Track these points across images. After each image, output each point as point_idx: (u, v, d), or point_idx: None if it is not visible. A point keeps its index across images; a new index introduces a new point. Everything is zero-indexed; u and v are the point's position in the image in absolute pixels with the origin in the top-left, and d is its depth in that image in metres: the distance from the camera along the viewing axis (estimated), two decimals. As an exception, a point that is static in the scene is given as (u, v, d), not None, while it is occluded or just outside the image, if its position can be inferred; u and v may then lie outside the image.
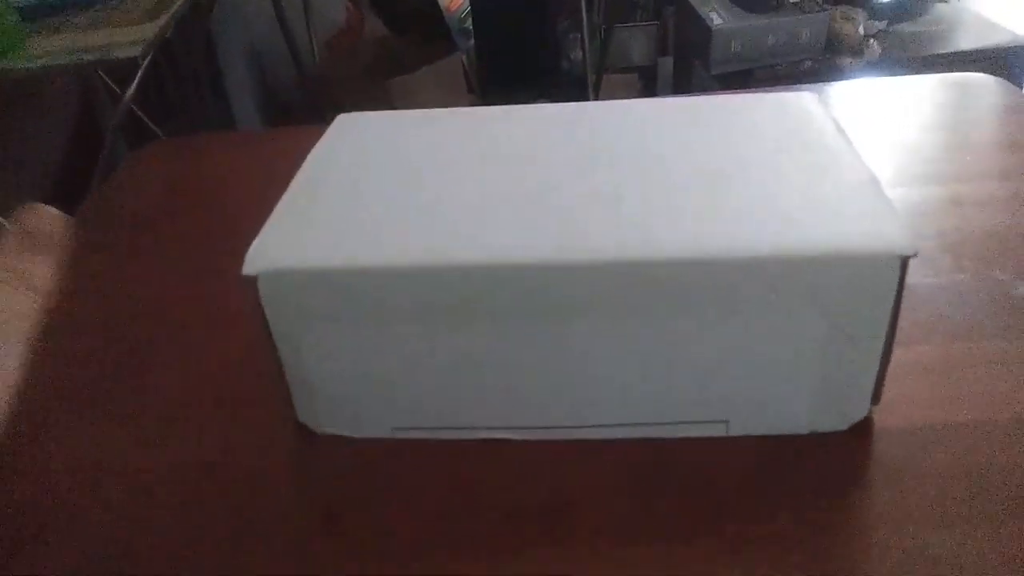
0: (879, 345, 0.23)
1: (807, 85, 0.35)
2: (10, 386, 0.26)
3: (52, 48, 1.13)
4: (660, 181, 0.26)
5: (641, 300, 0.23)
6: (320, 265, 0.24)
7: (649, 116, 0.30)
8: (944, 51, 1.38)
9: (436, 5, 1.70)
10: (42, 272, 0.29)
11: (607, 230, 0.23)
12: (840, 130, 0.28)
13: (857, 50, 1.36)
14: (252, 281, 0.24)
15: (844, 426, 0.25)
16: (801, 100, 0.30)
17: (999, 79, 0.50)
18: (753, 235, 0.23)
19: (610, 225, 0.24)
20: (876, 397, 0.25)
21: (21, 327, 0.26)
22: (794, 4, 1.39)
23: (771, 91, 0.33)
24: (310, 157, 0.29)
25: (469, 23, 1.77)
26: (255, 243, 0.24)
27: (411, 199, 0.26)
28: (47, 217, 0.30)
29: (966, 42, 1.41)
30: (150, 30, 1.15)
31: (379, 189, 0.27)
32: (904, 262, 0.22)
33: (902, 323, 0.23)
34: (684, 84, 1.58)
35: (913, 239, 0.22)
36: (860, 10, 1.41)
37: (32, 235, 0.30)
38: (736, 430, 0.25)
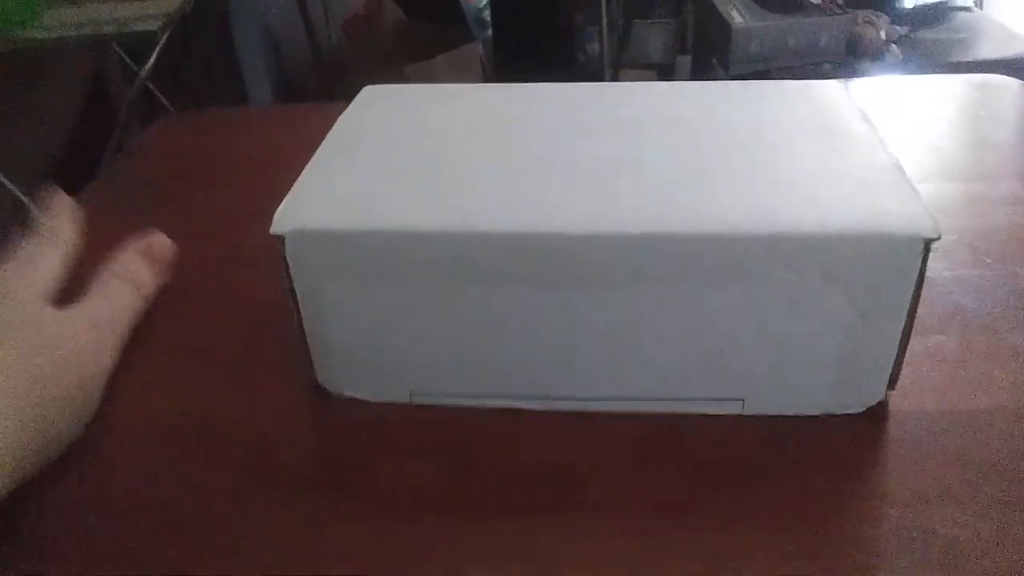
0: (898, 328, 0.24)
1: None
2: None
3: (68, 20, 1.13)
4: (684, 157, 0.26)
5: (663, 273, 0.23)
6: (347, 226, 0.24)
7: (676, 96, 0.30)
8: (965, 59, 1.37)
9: (455, -7, 1.70)
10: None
11: (631, 202, 0.24)
12: (866, 117, 0.28)
13: (878, 55, 1.35)
14: (279, 240, 0.24)
15: (859, 408, 0.25)
16: (828, 88, 0.30)
17: (1020, 81, 0.50)
18: (777, 212, 0.23)
19: (634, 198, 0.24)
20: (892, 382, 0.25)
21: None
22: (816, 6, 1.38)
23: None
24: (338, 124, 0.29)
25: (487, 13, 1.76)
26: (283, 203, 0.25)
27: (437, 166, 0.26)
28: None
29: (987, 51, 1.40)
30: (170, 5, 1.15)
31: (406, 155, 0.27)
32: (927, 245, 0.22)
33: (921, 313, 0.23)
34: (701, 83, 1.57)
35: (936, 223, 0.22)
36: (882, 15, 1.41)
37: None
38: (751, 409, 0.25)
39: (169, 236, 0.32)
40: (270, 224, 0.24)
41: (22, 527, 0.23)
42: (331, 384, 0.27)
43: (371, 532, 0.23)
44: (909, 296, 0.23)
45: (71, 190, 0.42)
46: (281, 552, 0.22)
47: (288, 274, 0.25)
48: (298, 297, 0.25)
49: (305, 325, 0.26)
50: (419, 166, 0.26)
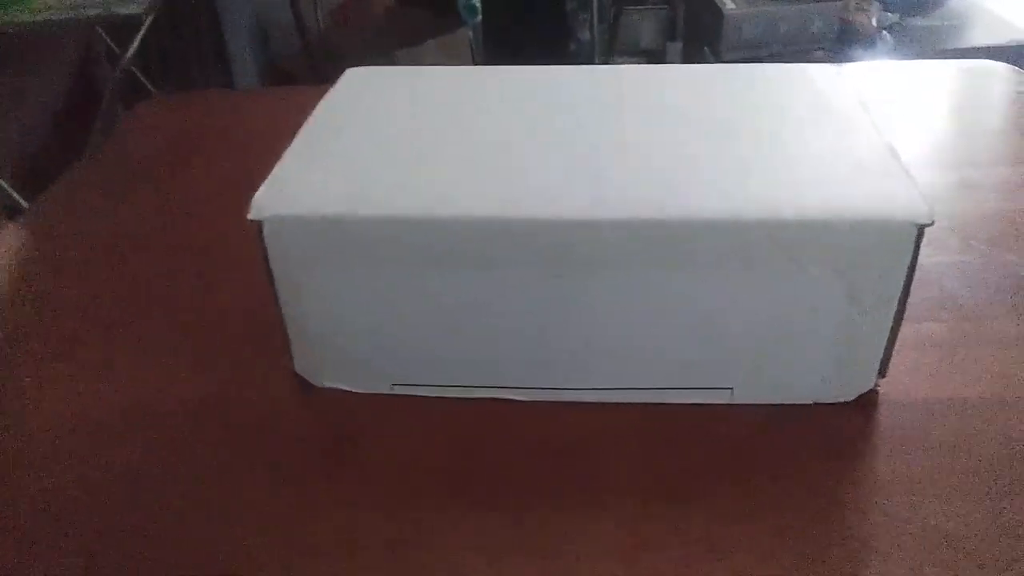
0: (890, 315, 0.23)
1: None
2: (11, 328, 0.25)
3: (54, 3, 1.11)
4: (676, 142, 0.25)
5: (653, 259, 0.23)
6: (327, 212, 0.23)
7: (668, 80, 0.30)
8: (956, 46, 1.37)
9: (444, -22, 1.68)
10: None
11: (621, 188, 0.23)
12: (860, 102, 0.27)
13: (869, 42, 1.35)
14: (257, 226, 0.23)
15: (850, 397, 0.25)
16: (823, 71, 0.30)
17: (1012, 67, 0.50)
18: (771, 197, 0.22)
19: (624, 183, 0.23)
20: (883, 370, 0.25)
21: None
22: (807, -8, 1.37)
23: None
24: (319, 107, 0.29)
25: (477, -1, 1.74)
26: (261, 188, 0.24)
27: (420, 150, 0.26)
28: None
29: (978, 38, 1.40)
30: (155, -12, 1.13)
31: (388, 139, 0.26)
32: (920, 230, 0.22)
33: (911, 300, 0.23)
34: (692, 70, 1.56)
35: (930, 208, 0.22)
36: (874, 1, 1.40)
37: None
38: (740, 397, 0.25)
39: (153, 216, 0.31)
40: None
41: (5, 521, 0.22)
42: (311, 374, 0.26)
43: (361, 522, 0.22)
44: (901, 282, 0.23)
45: (55, 172, 0.42)
46: (268, 540, 0.22)
47: (266, 261, 0.24)
48: (276, 285, 0.24)
49: (284, 313, 0.25)
50: (401, 150, 0.26)
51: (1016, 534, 0.21)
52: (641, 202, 0.22)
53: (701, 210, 0.22)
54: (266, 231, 0.23)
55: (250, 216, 0.23)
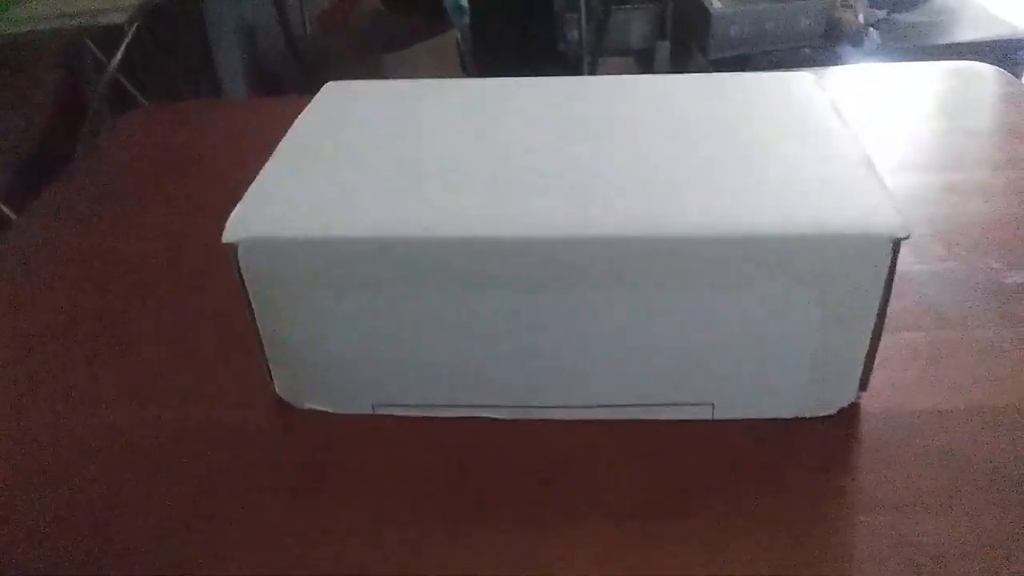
0: (868, 328, 0.23)
1: (805, 71, 0.35)
2: None
3: (39, 13, 1.11)
4: (653, 157, 0.25)
5: (631, 276, 0.22)
6: (302, 234, 0.23)
7: (646, 92, 0.30)
8: (944, 42, 1.37)
9: (432, -20, 1.67)
10: None
11: (598, 205, 0.23)
12: (836, 111, 0.27)
13: (856, 39, 1.35)
14: (232, 249, 0.23)
15: (831, 411, 0.25)
16: (799, 80, 0.30)
17: (997, 68, 0.50)
18: (746, 213, 0.22)
19: (602, 200, 0.23)
20: (864, 383, 0.25)
21: None
22: (794, -10, 1.37)
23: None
24: (295, 125, 0.28)
25: (465, 0, 1.74)
26: (236, 210, 0.24)
27: (398, 168, 0.25)
28: None
29: (966, 33, 1.40)
30: (138, -3, 1.13)
31: (365, 158, 0.26)
32: (896, 244, 0.22)
33: (892, 309, 0.23)
34: (681, 69, 1.57)
35: (905, 222, 0.22)
36: (860, -2, 1.40)
37: None
38: (722, 414, 0.25)
39: (139, 230, 0.31)
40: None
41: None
42: (291, 396, 0.26)
43: (340, 548, 0.22)
44: (879, 296, 0.22)
45: (42, 182, 0.41)
46: (243, 566, 0.21)
47: (242, 283, 0.24)
48: (253, 306, 0.24)
49: (262, 335, 0.25)
50: (379, 168, 0.25)
51: (1000, 548, 0.21)
52: (617, 220, 0.22)
53: (676, 227, 0.22)
54: (240, 253, 0.23)
55: (224, 239, 0.23)
